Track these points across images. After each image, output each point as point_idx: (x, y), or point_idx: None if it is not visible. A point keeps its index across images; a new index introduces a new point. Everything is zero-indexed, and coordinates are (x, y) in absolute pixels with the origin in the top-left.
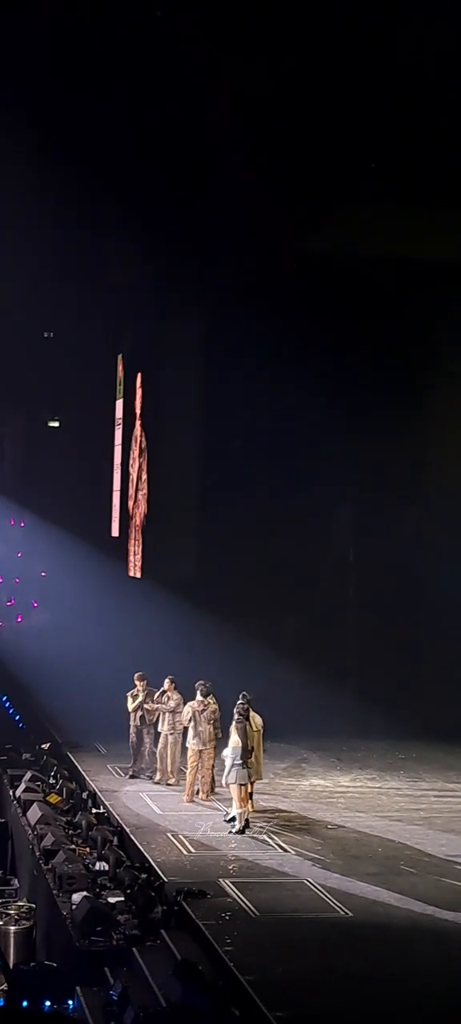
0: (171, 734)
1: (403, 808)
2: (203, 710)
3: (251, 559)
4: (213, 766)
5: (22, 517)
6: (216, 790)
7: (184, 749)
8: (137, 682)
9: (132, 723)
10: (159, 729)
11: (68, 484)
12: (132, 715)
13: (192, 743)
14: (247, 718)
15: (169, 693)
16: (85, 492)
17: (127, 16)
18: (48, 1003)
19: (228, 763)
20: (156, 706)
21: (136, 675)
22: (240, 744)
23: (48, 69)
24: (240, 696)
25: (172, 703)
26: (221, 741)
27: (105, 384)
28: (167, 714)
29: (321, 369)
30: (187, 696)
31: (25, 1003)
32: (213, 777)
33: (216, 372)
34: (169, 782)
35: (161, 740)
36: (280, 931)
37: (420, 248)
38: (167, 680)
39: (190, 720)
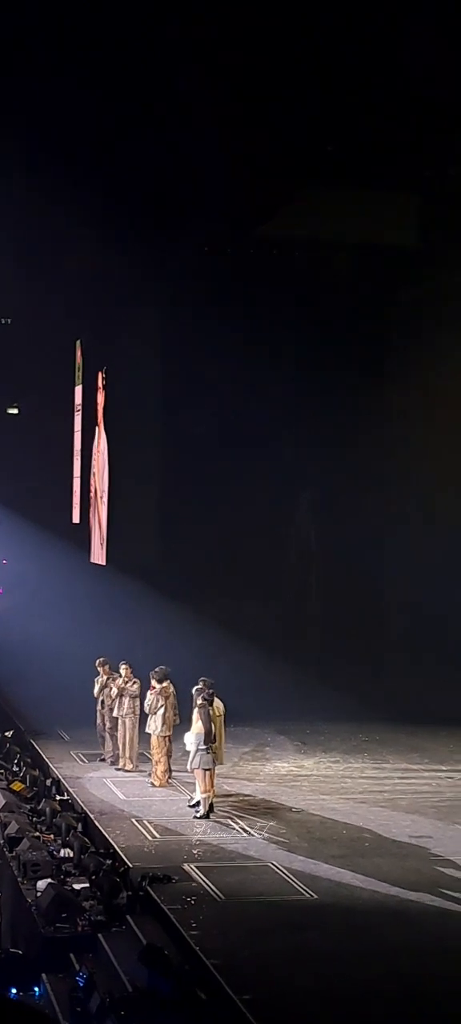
0: (129, 718)
1: (367, 790)
2: (167, 696)
3: (213, 545)
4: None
5: None
6: (175, 775)
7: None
8: (99, 667)
9: (98, 709)
10: (114, 714)
11: (28, 471)
12: (98, 701)
13: (160, 729)
14: (211, 703)
15: (126, 678)
16: (45, 479)
17: None
18: (14, 991)
19: (192, 748)
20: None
21: (98, 661)
22: (204, 729)
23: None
24: (200, 681)
25: (131, 688)
26: (180, 726)
27: (64, 370)
28: (125, 699)
29: (283, 354)
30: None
31: None
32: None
33: (176, 356)
34: (127, 768)
35: (119, 726)
36: (245, 914)
37: (380, 233)
38: (123, 665)
39: (159, 707)
